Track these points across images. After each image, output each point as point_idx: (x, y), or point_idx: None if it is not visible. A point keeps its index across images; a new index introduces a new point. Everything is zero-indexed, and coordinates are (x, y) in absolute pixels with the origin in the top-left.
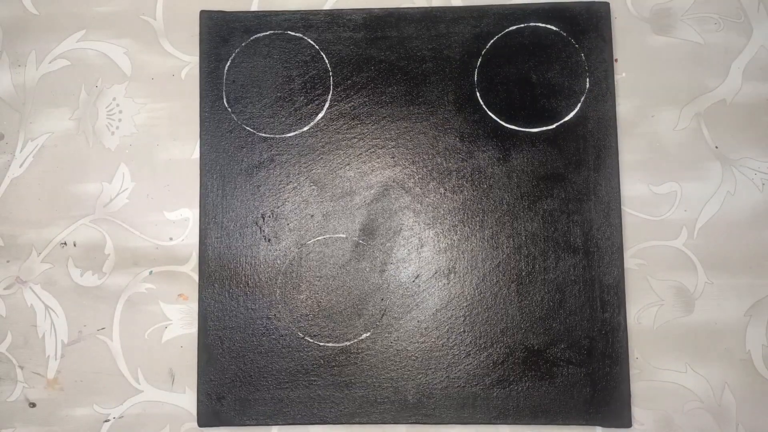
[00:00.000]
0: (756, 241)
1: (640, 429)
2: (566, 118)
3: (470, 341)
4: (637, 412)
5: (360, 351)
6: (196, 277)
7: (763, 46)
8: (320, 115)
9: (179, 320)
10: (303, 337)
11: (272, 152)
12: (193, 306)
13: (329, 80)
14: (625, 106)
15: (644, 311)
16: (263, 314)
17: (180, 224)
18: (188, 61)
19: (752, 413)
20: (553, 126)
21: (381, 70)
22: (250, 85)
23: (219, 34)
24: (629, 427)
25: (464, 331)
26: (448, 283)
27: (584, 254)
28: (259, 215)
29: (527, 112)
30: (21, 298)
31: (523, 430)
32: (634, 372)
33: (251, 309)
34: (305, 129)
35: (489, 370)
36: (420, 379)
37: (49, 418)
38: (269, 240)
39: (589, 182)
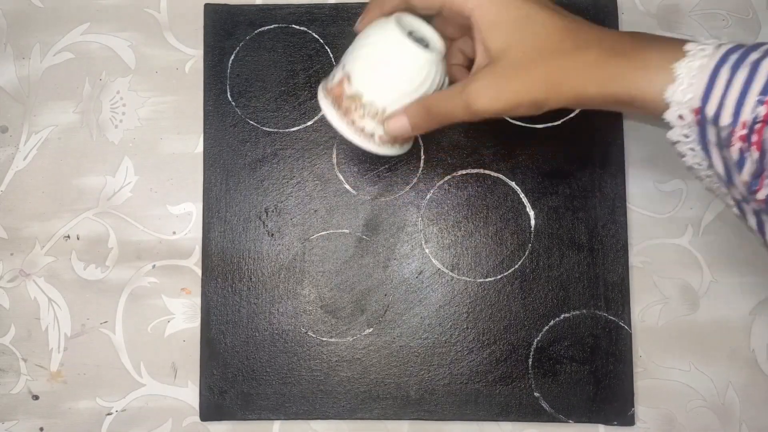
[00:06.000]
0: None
1: (643, 427)
2: (572, 114)
3: (473, 338)
4: (641, 410)
5: (363, 347)
6: (199, 271)
7: None
8: None
9: (182, 314)
10: (305, 332)
11: (276, 147)
12: (196, 300)
13: None
14: None
15: (649, 309)
16: (266, 309)
17: (183, 218)
18: (192, 55)
19: (756, 412)
20: (559, 122)
21: None
22: (254, 79)
23: (223, 28)
24: (632, 425)
25: (467, 328)
26: (452, 280)
27: (589, 251)
28: (263, 210)
29: None
30: (24, 291)
31: (526, 428)
32: (637, 370)
33: (254, 304)
34: (309, 123)
35: (492, 366)
36: (422, 375)
37: (51, 411)
38: (272, 235)
39: (595, 179)
